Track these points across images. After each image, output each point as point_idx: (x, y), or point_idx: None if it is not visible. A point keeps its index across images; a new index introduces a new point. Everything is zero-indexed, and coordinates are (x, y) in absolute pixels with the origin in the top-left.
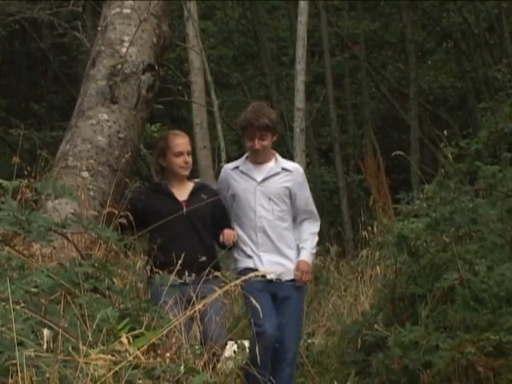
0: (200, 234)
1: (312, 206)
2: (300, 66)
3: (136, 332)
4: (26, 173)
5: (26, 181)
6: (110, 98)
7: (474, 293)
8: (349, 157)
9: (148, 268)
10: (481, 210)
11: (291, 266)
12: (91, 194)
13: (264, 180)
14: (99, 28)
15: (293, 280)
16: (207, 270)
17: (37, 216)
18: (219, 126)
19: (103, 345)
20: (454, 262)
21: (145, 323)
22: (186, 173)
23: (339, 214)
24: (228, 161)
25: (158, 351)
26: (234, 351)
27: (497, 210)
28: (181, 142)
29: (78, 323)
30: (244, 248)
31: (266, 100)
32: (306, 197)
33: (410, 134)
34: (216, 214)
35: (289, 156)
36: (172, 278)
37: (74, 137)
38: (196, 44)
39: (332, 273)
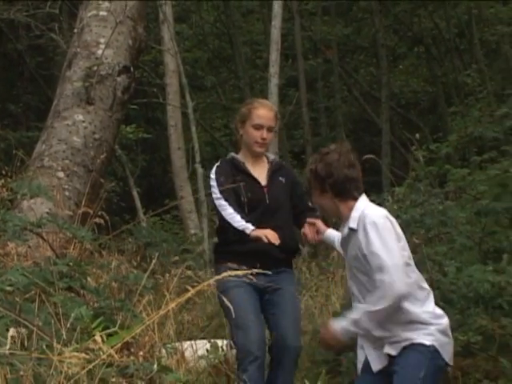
0: (279, 224)
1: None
2: (274, 69)
3: (110, 331)
4: (2, 172)
5: (2, 180)
6: (85, 99)
7: (443, 293)
8: None
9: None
10: (450, 212)
11: None
12: (66, 193)
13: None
14: (75, 30)
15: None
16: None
17: (12, 215)
18: (193, 128)
19: (77, 343)
20: (423, 263)
21: (118, 322)
22: (261, 150)
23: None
24: (202, 162)
25: (132, 350)
26: (207, 350)
27: (466, 212)
28: (263, 113)
29: (53, 321)
30: None
31: (240, 102)
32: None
33: (381, 137)
34: (295, 197)
35: None
36: (242, 275)
37: (50, 137)
38: (171, 47)
39: (304, 273)
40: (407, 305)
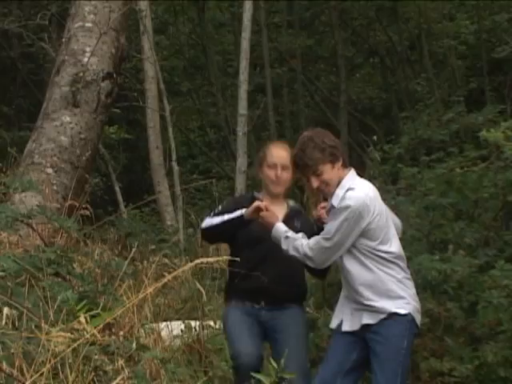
0: (288, 261)
1: (325, 236)
2: (243, 76)
3: (93, 312)
4: None
5: None
6: (72, 102)
7: None
8: None
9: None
10: (402, 206)
11: None
12: (54, 188)
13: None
14: (63, 39)
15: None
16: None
17: (5, 207)
18: (170, 129)
19: (63, 324)
20: None
21: (101, 305)
22: (278, 189)
23: None
24: (178, 160)
25: (113, 330)
26: (182, 330)
27: (415, 207)
28: (277, 153)
29: (41, 304)
30: None
31: (213, 106)
32: (326, 226)
33: (340, 139)
34: None
35: (232, 157)
36: (246, 304)
37: (40, 137)
38: (150, 55)
39: None
40: (378, 269)
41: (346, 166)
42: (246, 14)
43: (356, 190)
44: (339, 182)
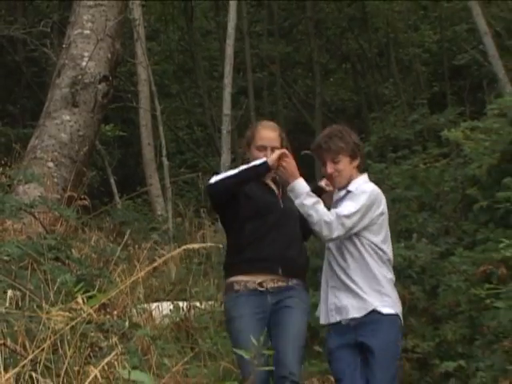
0: (293, 232)
1: (346, 213)
2: (227, 80)
3: (90, 294)
4: (1, 162)
5: (1, 169)
6: (71, 102)
7: None
8: None
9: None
10: None
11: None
12: (55, 180)
13: (335, 204)
14: (64, 45)
15: None
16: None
17: (9, 198)
18: (161, 128)
19: (62, 304)
20: None
21: (97, 286)
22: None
23: None
24: (168, 155)
25: (108, 309)
26: (170, 310)
27: None
28: (265, 135)
29: (42, 286)
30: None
31: (200, 107)
32: (344, 205)
33: (314, 137)
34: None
35: (217, 153)
36: (252, 285)
37: (42, 134)
38: (143, 60)
39: None
40: (374, 264)
41: (360, 168)
42: (230, 23)
43: (372, 184)
44: (350, 180)
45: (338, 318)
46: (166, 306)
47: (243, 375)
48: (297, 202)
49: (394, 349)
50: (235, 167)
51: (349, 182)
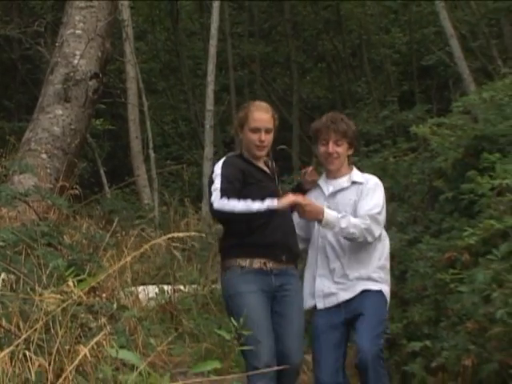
0: (290, 218)
1: (377, 211)
2: (210, 77)
3: (80, 277)
4: None
5: None
6: (64, 98)
7: None
8: None
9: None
10: None
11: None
12: (48, 171)
13: (332, 194)
14: (57, 44)
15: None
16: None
17: (5, 187)
18: (148, 122)
19: (54, 287)
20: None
21: (87, 271)
22: (261, 153)
23: None
24: (154, 148)
25: (97, 292)
26: (156, 293)
27: None
28: (260, 117)
29: (35, 270)
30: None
31: (184, 103)
32: (368, 203)
33: (292, 132)
34: None
35: (200, 146)
36: (257, 264)
37: (36, 127)
38: (131, 59)
39: None
40: (374, 257)
41: (350, 160)
42: (213, 24)
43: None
44: (341, 167)
45: (326, 304)
46: (152, 290)
47: (251, 350)
48: (336, 230)
49: (381, 311)
50: (218, 159)
51: (340, 170)
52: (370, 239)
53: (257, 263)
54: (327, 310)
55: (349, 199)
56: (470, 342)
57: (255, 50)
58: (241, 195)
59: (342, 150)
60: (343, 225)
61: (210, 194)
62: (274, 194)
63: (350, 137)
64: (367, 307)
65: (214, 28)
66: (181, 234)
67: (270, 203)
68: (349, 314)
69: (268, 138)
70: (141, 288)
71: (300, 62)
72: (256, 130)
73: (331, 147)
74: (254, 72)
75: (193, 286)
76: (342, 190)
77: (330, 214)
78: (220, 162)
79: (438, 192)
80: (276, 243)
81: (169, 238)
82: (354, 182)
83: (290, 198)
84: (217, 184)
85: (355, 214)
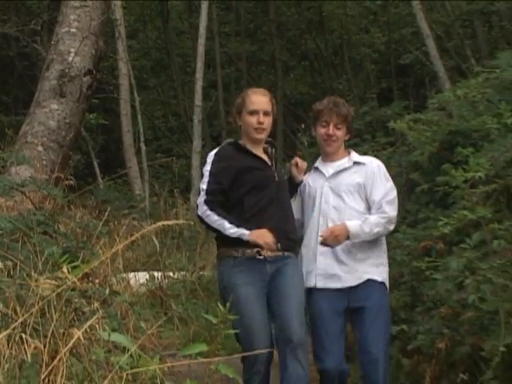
0: (287, 205)
1: (392, 198)
2: (199, 74)
3: (74, 264)
4: None
5: None
6: (59, 93)
7: None
8: None
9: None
10: None
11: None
12: (44, 163)
13: (333, 175)
14: (52, 42)
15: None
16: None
17: (2, 178)
18: (139, 116)
19: (49, 273)
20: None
21: (81, 258)
22: (260, 136)
23: None
24: (145, 141)
25: (90, 278)
26: (146, 279)
27: None
28: (257, 99)
29: (31, 257)
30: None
31: (174, 99)
32: (382, 188)
33: (276, 127)
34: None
35: (189, 140)
36: (250, 253)
37: (33, 121)
38: (124, 56)
39: None
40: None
41: (345, 145)
42: (202, 24)
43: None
44: (338, 150)
45: (328, 285)
46: (143, 276)
47: (247, 343)
48: (363, 237)
49: (386, 312)
50: (207, 152)
51: (337, 152)
52: (391, 228)
53: (250, 252)
54: (329, 293)
55: (352, 179)
56: (443, 326)
57: (241, 48)
58: (231, 190)
59: (341, 133)
60: (367, 229)
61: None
62: (270, 182)
63: (349, 122)
64: (375, 304)
65: (203, 27)
66: (170, 222)
67: (241, 233)
68: (353, 303)
69: (267, 121)
70: (132, 274)
71: (284, 60)
72: (254, 113)
73: (332, 129)
74: (241, 69)
75: (181, 273)
76: (343, 170)
77: (352, 225)
78: (212, 153)
79: (415, 184)
80: (270, 231)
81: (158, 226)
82: (355, 163)
83: (266, 239)
84: (204, 183)
85: (360, 195)
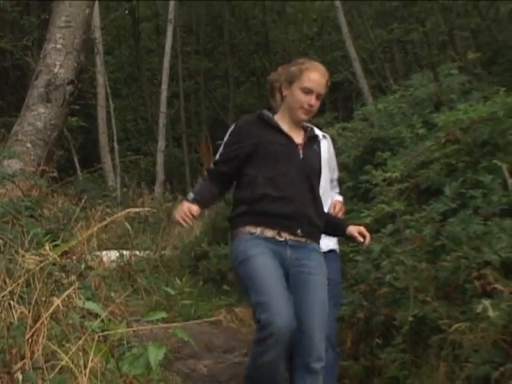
0: (313, 188)
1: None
2: (164, 86)
3: (55, 243)
4: None
5: None
6: (46, 99)
7: None
8: (191, 143)
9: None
10: None
11: None
12: (32, 157)
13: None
14: (41, 56)
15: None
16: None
17: None
18: (113, 120)
19: (34, 250)
20: None
21: (61, 238)
22: (304, 117)
23: (184, 177)
24: (118, 141)
25: (69, 255)
26: (117, 257)
27: None
28: (315, 77)
29: (19, 236)
30: None
31: (143, 106)
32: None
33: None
34: (329, 170)
35: (155, 141)
36: (269, 233)
37: (23, 122)
38: (101, 69)
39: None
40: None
41: None
42: (167, 43)
43: None
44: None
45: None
46: (114, 254)
47: (262, 311)
48: None
49: (338, 275)
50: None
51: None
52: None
53: (269, 232)
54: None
55: (315, 150)
56: (363, 299)
57: (200, 65)
58: (247, 165)
59: (317, 105)
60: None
61: None
62: (291, 159)
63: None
64: (330, 271)
65: (168, 47)
66: (137, 210)
67: (187, 200)
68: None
69: (317, 105)
70: (104, 252)
71: (236, 76)
72: (308, 92)
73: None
74: (199, 83)
75: (146, 252)
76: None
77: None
78: (233, 125)
79: (342, 182)
80: (289, 214)
81: (127, 213)
82: (322, 136)
83: (180, 213)
84: (218, 153)
85: (320, 166)
